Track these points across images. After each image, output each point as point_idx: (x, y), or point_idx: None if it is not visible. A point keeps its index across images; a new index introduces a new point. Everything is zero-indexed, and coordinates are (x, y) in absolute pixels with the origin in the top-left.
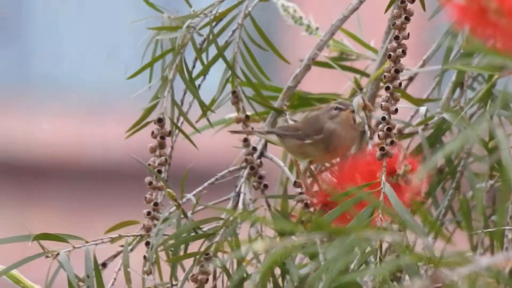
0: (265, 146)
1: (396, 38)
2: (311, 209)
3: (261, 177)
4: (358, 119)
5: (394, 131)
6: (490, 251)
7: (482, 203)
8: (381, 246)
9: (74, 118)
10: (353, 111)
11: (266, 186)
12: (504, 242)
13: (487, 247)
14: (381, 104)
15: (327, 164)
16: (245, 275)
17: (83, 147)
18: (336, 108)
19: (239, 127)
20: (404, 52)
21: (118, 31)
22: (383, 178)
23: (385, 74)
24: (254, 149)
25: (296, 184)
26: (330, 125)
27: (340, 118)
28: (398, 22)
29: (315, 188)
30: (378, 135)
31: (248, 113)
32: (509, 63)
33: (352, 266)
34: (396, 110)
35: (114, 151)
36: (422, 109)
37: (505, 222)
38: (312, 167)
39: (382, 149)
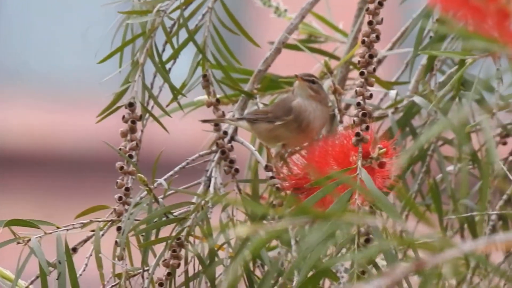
0: (235, 130)
1: (370, 23)
2: (283, 193)
3: (232, 161)
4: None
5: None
6: (460, 234)
7: (452, 186)
8: (359, 232)
9: (44, 105)
10: (303, 79)
11: (237, 170)
12: (484, 227)
13: (456, 230)
14: (356, 90)
15: (297, 148)
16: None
17: (54, 133)
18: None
19: (209, 110)
20: (378, 37)
21: (87, 15)
22: (359, 163)
23: (359, 59)
24: (225, 133)
25: (267, 168)
26: (295, 102)
27: (296, 88)
28: (371, 7)
29: (286, 171)
30: (353, 121)
31: (219, 96)
32: (484, 45)
33: (328, 252)
34: (371, 96)
35: (86, 137)
36: (392, 92)
37: (486, 207)
38: (283, 151)
39: (357, 134)
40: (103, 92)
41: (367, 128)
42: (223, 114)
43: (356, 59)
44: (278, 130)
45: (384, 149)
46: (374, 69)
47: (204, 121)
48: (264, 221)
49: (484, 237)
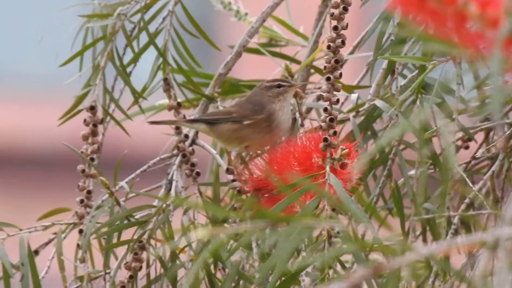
0: (196, 133)
1: (335, 28)
2: (243, 196)
3: (193, 165)
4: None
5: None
6: (422, 238)
7: (413, 190)
8: (329, 235)
9: (10, 106)
10: (298, 86)
11: (198, 173)
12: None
13: (418, 234)
14: (323, 95)
15: (259, 151)
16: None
17: (17, 135)
18: (279, 86)
19: (170, 114)
20: (343, 43)
21: (48, 18)
22: (328, 168)
23: (325, 64)
24: (186, 136)
25: (228, 171)
26: (274, 103)
27: (289, 94)
28: (336, 12)
29: (247, 174)
30: (321, 126)
31: (180, 100)
32: (443, 48)
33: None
34: (338, 101)
35: (49, 138)
36: (354, 96)
37: (445, 210)
38: (243, 153)
39: (325, 140)
40: (66, 94)
41: (335, 133)
42: (184, 118)
43: (317, 63)
44: (244, 130)
45: (346, 150)
46: (340, 74)
47: (154, 122)
48: (226, 224)
49: (445, 240)
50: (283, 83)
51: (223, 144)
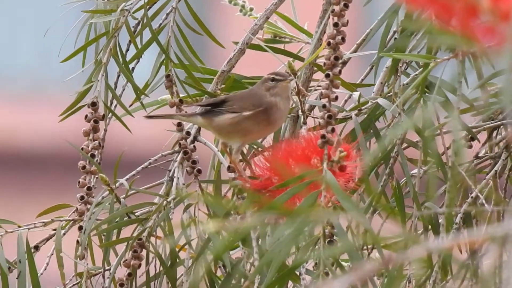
0: (198, 130)
1: (336, 25)
2: (245, 194)
3: (194, 162)
4: (291, 99)
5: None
6: (423, 237)
7: (415, 189)
8: (324, 232)
9: (7, 103)
10: (291, 80)
11: (199, 171)
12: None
13: (420, 232)
14: (321, 92)
15: (260, 149)
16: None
17: (17, 132)
18: (272, 80)
19: (172, 110)
20: (343, 39)
21: (50, 14)
22: (325, 165)
23: (325, 61)
24: (188, 133)
25: (229, 169)
26: (271, 97)
27: (279, 89)
28: (336, 9)
29: (249, 173)
30: (319, 123)
31: (182, 96)
32: (451, 42)
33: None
34: (336, 98)
35: (49, 135)
36: (356, 94)
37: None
38: (244, 150)
39: (323, 136)
40: (66, 91)
41: (333, 130)
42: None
43: (320, 61)
44: (244, 121)
45: (345, 153)
46: (340, 71)
47: (151, 117)
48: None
49: (449, 236)
50: (277, 77)
51: (220, 136)
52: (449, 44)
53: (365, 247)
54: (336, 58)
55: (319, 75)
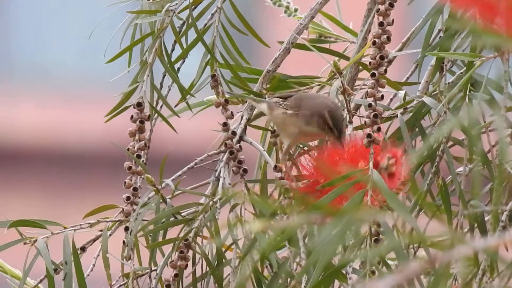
0: (244, 130)
1: (381, 24)
2: (292, 194)
3: (240, 162)
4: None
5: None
6: (469, 235)
7: (461, 187)
8: (371, 231)
9: (54, 103)
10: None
11: (245, 170)
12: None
13: (466, 231)
14: (367, 91)
15: (305, 148)
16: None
17: (63, 132)
18: (330, 129)
19: (218, 110)
20: (388, 39)
21: (96, 14)
22: (371, 165)
23: (370, 60)
24: (234, 133)
25: (276, 169)
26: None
27: (325, 132)
28: (382, 8)
29: (296, 173)
30: (365, 122)
31: (227, 96)
32: (495, 42)
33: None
34: (382, 97)
35: (94, 136)
36: (401, 93)
37: (498, 205)
38: (291, 151)
39: (369, 136)
40: (112, 91)
41: (379, 129)
42: (232, 115)
43: (365, 60)
44: (287, 120)
45: (393, 160)
46: (385, 70)
47: (229, 93)
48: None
49: (495, 235)
50: (334, 131)
51: (277, 130)
52: (494, 43)
53: (411, 246)
54: (382, 58)
55: (364, 74)
